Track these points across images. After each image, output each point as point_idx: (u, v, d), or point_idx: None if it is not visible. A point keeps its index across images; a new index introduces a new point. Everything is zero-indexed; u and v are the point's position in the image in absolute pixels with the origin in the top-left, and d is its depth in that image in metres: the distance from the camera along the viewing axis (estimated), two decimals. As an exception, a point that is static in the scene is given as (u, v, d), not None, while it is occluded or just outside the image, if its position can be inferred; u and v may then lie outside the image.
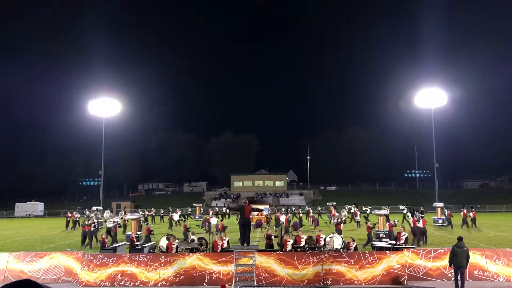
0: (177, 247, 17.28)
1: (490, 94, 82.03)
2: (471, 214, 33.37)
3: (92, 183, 60.23)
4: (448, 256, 14.68)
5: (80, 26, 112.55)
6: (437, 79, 61.48)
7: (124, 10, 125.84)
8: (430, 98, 52.37)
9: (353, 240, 17.84)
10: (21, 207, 66.52)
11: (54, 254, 15.67)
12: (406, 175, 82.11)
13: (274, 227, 30.50)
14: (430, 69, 75.67)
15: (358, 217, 34.88)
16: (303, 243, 17.84)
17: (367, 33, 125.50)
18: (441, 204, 37.55)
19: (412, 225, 24.51)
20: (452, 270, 14.32)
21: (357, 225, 33.79)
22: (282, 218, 32.00)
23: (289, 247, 17.04)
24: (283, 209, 42.28)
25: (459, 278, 13.05)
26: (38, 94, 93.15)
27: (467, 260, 13.07)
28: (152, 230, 26.26)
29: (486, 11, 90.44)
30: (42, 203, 68.79)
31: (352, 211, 37.67)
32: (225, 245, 18.00)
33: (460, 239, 13.52)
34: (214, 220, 32.31)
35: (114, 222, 26.43)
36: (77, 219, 36.73)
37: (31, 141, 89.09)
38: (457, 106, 70.35)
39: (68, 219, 37.65)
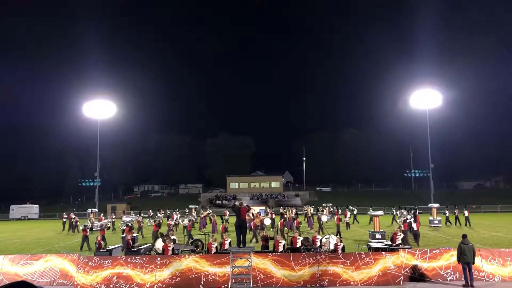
0: (173, 249, 17.23)
1: (485, 95, 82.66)
2: (465, 212, 34.66)
3: (91, 183, 60.01)
4: (442, 256, 14.75)
5: (75, 28, 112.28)
6: (432, 80, 61.84)
7: (119, 12, 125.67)
8: (426, 99, 52.56)
9: (340, 241, 17.82)
10: (16, 210, 66.15)
11: (49, 256, 15.57)
12: (405, 174, 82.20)
13: (271, 229, 30.49)
14: (426, 70, 76.18)
15: (347, 218, 35.13)
16: (299, 244, 17.82)
17: (363, 35, 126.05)
18: (436, 205, 37.83)
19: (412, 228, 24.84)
20: (449, 271, 14.42)
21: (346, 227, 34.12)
22: (324, 218, 31.92)
23: (280, 248, 17.02)
24: (320, 208, 40.51)
25: (468, 275, 13.45)
26: (32, 96, 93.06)
27: (474, 256, 13.59)
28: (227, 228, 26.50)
29: (481, 12, 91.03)
30: (37, 206, 68.45)
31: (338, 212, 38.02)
32: (226, 246, 17.89)
33: (464, 236, 13.99)
34: (185, 221, 32.40)
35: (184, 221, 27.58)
36: (76, 222, 36.35)
37: (26, 143, 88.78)
38: (452, 107, 70.77)
39: (64, 220, 37.75)
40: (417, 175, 78.72)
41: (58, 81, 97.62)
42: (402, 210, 35.09)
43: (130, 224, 26.29)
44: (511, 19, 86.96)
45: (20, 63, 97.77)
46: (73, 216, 37.26)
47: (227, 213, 38.79)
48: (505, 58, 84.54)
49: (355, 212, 40.45)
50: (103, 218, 39.25)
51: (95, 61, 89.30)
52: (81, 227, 26.65)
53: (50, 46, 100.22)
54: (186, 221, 29.24)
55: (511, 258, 14.56)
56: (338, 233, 27.24)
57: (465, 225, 33.82)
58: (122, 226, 31.45)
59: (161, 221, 31.94)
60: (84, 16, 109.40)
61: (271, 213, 35.06)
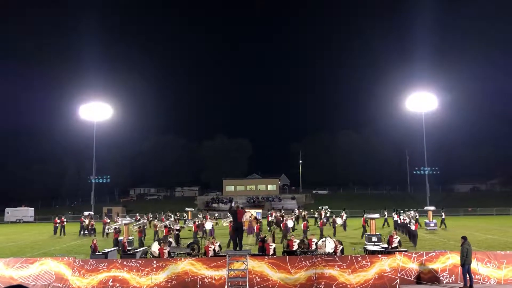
0: (169, 252, 17.20)
1: (481, 98, 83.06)
2: (442, 214, 37.35)
3: (89, 180, 59.55)
4: (438, 259, 14.78)
5: (71, 31, 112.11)
6: (428, 84, 61.97)
7: (116, 14, 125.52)
8: (421, 102, 52.78)
9: (340, 243, 17.54)
10: (11, 213, 65.71)
11: (45, 260, 15.49)
12: (402, 177, 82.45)
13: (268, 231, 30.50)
14: (421, 74, 76.29)
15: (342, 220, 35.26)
16: (295, 247, 17.80)
17: (359, 38, 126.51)
18: (432, 208, 38.08)
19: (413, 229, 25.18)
20: (445, 273, 14.45)
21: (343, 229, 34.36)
22: (339, 221, 32.25)
23: (271, 251, 16.98)
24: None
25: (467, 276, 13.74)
26: (28, 99, 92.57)
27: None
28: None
29: (476, 15, 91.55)
30: (33, 209, 67.97)
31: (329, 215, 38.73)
32: (216, 249, 17.88)
33: (465, 238, 14.21)
34: (209, 225, 32.06)
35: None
36: (92, 225, 35.28)
37: (21, 146, 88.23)
38: (447, 110, 71.01)
39: (57, 225, 36.45)
40: (413, 177, 78.87)
41: (54, 83, 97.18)
42: (410, 212, 35.83)
43: (169, 225, 26.36)
44: (507, 22, 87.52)
45: (17, 65, 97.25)
46: (84, 220, 36.37)
47: (208, 216, 38.77)
48: (501, 61, 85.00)
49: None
50: (119, 219, 37.62)
51: (92, 63, 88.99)
52: (111, 230, 26.36)
53: (48, 48, 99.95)
54: (227, 223, 30.25)
55: (507, 260, 14.61)
56: (364, 234, 28.08)
57: (439, 226, 35.74)
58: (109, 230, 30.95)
59: (199, 222, 31.83)
60: (81, 17, 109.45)
61: (292, 216, 35.08)
